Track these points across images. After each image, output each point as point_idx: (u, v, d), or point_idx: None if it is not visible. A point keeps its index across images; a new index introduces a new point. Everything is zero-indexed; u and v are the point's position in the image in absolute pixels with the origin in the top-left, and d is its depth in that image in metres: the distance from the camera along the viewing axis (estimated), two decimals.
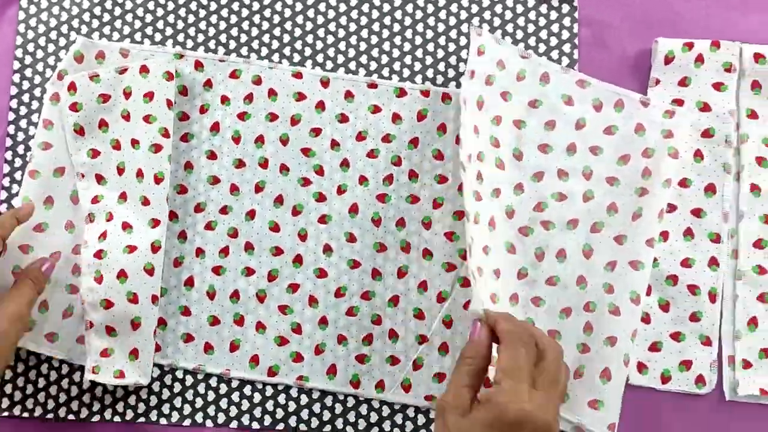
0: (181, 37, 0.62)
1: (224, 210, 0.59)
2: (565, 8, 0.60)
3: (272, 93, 0.60)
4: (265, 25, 0.62)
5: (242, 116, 0.60)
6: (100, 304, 0.55)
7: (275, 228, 0.59)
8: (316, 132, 0.59)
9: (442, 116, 0.59)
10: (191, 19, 0.62)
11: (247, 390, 0.57)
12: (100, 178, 0.58)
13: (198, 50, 0.61)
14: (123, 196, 0.58)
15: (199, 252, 0.59)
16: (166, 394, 0.58)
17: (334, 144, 0.59)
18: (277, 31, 0.62)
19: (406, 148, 0.59)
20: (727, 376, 0.56)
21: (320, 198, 0.59)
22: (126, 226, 0.57)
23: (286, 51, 0.61)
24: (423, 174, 0.58)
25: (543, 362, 0.43)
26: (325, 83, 0.60)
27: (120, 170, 0.58)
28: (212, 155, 0.60)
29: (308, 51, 0.61)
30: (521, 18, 0.61)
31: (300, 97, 0.60)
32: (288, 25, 0.62)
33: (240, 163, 0.59)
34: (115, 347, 0.55)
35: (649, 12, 0.60)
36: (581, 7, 0.61)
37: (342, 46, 0.61)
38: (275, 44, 0.61)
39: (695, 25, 0.60)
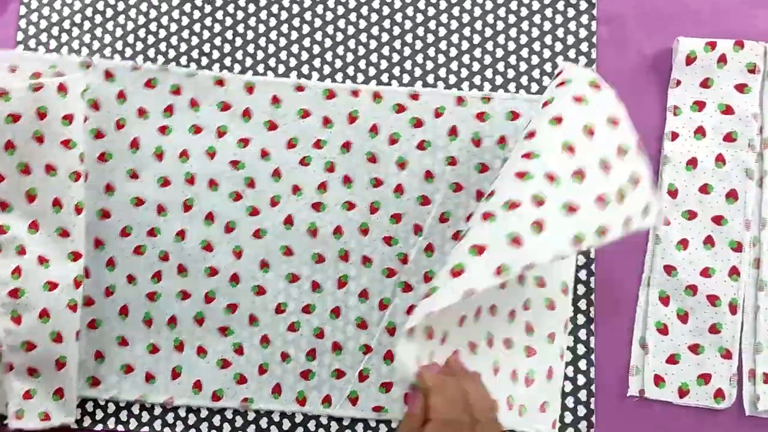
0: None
1: (152, 232, 0.56)
2: (584, 5, 0.58)
3: (194, 103, 0.57)
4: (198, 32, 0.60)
5: (163, 130, 0.57)
6: (20, 346, 0.52)
7: (208, 247, 0.56)
8: (244, 142, 0.57)
9: (373, 117, 0.57)
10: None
11: (191, 417, 0.56)
12: (4, 206, 0.53)
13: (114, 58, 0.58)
14: (34, 226, 0.53)
15: (131, 279, 0.56)
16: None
17: (264, 154, 0.57)
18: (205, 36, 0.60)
19: (339, 152, 0.57)
20: (747, 391, 0.54)
21: (253, 212, 0.56)
22: (42, 260, 0.53)
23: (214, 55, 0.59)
24: (357, 179, 0.56)
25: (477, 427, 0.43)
26: (250, 89, 0.57)
27: (30, 197, 0.53)
28: (134, 174, 0.56)
29: (232, 57, 0.59)
30: (537, 15, 0.59)
31: (224, 106, 0.57)
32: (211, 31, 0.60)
33: (165, 182, 0.56)
34: (38, 388, 0.52)
35: (669, 9, 0.58)
36: (600, 4, 0.58)
37: (270, 48, 0.59)
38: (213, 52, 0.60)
39: (717, 24, 0.57)
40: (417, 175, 0.56)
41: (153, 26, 0.61)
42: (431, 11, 0.59)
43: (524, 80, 0.58)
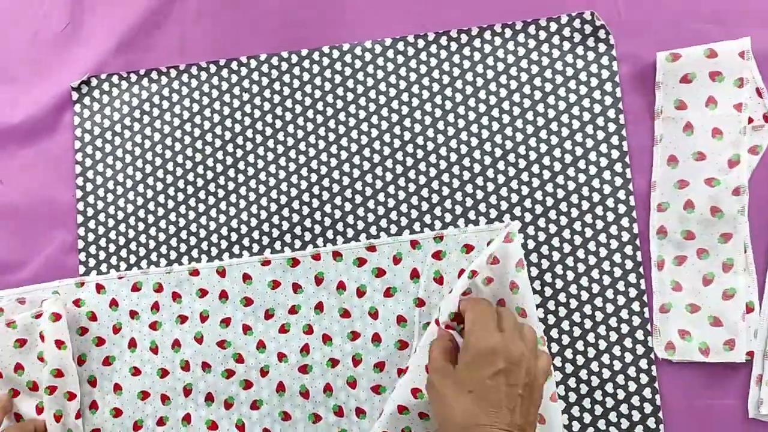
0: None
1: (161, 422, 0.62)
2: (602, 47, 0.61)
3: (176, 296, 0.63)
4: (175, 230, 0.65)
5: (154, 326, 0.63)
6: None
7: (213, 426, 0.61)
8: (226, 322, 0.62)
9: (337, 275, 0.61)
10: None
11: None
12: (18, 417, 0.62)
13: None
14: None
15: None
16: None
17: (246, 329, 0.62)
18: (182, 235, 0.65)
19: (314, 314, 0.61)
20: (754, 394, 0.57)
21: (247, 385, 0.61)
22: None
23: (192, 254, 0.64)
24: (335, 336, 0.61)
25: (502, 316, 0.51)
26: (221, 273, 0.62)
27: (39, 410, 0.61)
28: (136, 371, 0.62)
29: (199, 248, 0.64)
30: (559, 63, 0.62)
31: (202, 293, 0.63)
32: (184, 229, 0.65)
33: (164, 372, 0.62)
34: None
35: (685, 41, 0.60)
36: (618, 44, 0.61)
37: (233, 235, 0.64)
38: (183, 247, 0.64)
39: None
40: (390, 321, 0.60)
41: (131, 234, 0.66)
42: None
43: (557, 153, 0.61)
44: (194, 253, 0.64)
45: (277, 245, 0.63)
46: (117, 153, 0.67)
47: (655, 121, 0.60)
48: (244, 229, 0.64)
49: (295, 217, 0.63)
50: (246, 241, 0.64)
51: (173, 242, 0.65)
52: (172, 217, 0.65)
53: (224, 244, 0.64)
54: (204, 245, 0.65)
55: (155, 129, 0.67)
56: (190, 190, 0.65)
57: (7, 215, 0.67)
